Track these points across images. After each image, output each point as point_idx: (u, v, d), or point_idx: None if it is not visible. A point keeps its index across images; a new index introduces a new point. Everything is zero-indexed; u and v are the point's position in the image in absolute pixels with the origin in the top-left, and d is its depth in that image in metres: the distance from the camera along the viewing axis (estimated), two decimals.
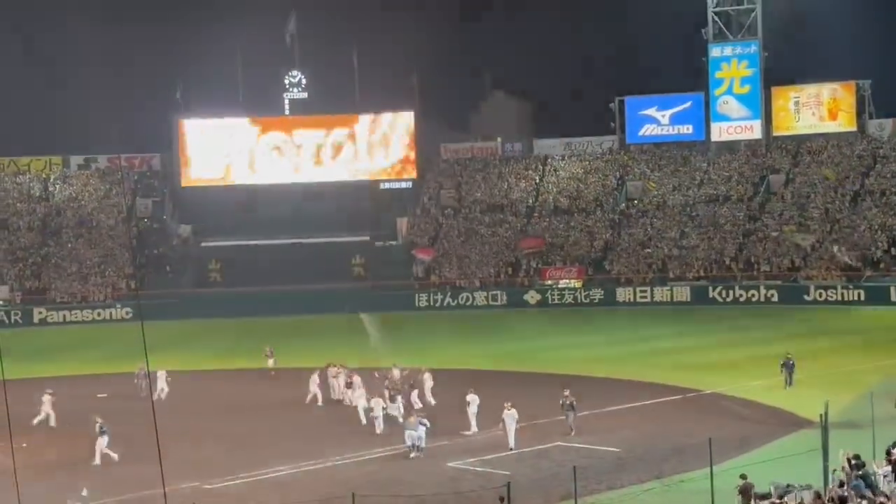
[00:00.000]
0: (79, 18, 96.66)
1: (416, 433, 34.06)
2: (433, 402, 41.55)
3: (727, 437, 34.06)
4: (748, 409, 39.58)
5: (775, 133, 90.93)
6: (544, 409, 38.44)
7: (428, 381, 42.66)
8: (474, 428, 36.66)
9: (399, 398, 39.26)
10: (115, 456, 34.28)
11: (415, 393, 41.73)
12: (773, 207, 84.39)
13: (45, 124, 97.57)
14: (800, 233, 78.97)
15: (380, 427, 37.59)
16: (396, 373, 42.85)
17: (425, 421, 34.77)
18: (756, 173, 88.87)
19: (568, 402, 35.88)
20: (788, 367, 42.43)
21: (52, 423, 40.66)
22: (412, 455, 34.08)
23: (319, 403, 43.53)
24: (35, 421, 40.34)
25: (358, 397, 40.37)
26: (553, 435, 35.84)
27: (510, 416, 33.94)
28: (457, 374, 50.71)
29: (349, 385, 42.62)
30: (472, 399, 37.06)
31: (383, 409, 38.28)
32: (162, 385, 45.64)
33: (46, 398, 41.29)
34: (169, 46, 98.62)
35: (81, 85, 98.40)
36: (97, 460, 34.26)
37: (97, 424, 34.54)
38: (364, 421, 38.86)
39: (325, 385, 44.15)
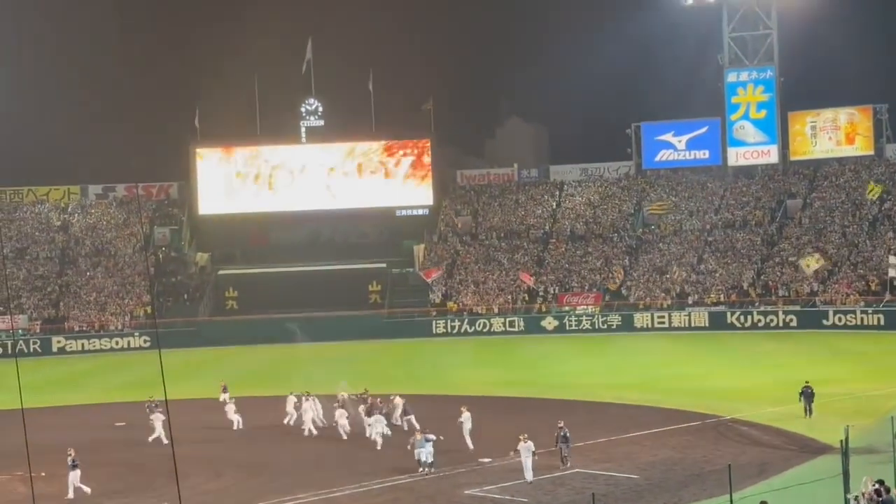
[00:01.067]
0: (96, 48, 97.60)
1: (425, 449, 34.70)
2: (405, 426, 41.85)
3: (747, 463, 33.89)
4: (767, 435, 39.31)
5: (792, 158, 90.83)
6: None
7: (398, 408, 43.57)
8: (470, 445, 37.78)
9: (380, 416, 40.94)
10: (87, 489, 33.91)
11: (396, 413, 42.88)
12: (790, 232, 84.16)
13: (63, 153, 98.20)
14: (810, 257, 78.07)
15: (379, 444, 39.36)
16: (344, 395, 44.30)
17: (431, 436, 35.24)
18: (773, 198, 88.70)
19: (562, 434, 35.06)
20: (807, 395, 41.92)
21: (164, 440, 41.51)
22: (421, 471, 34.58)
23: (289, 423, 44.58)
24: (150, 439, 41.91)
25: (339, 416, 42.13)
26: (571, 462, 35.62)
27: (526, 448, 33.38)
28: (472, 401, 50.67)
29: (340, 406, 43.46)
30: (466, 418, 38.15)
31: (385, 425, 40.39)
32: (234, 417, 45.64)
33: (157, 416, 42.47)
34: (186, 75, 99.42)
35: (99, 114, 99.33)
36: (70, 494, 33.72)
37: (69, 458, 33.98)
38: (345, 437, 41.33)
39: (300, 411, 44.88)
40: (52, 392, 57.87)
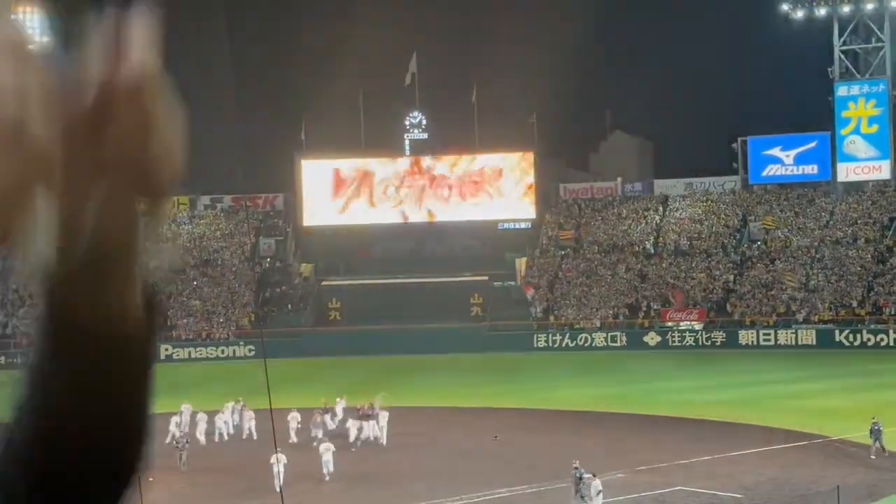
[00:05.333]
0: (203, 62, 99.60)
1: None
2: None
3: (855, 484, 33.22)
4: (877, 457, 38.39)
5: None
6: (664, 452, 37.94)
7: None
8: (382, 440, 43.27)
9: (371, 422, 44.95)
10: None
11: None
12: None
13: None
14: None
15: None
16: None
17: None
18: (884, 215, 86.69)
19: (577, 476, 32.54)
20: (875, 432, 39.05)
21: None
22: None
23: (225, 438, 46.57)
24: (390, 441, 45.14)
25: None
26: (673, 480, 35.27)
27: (594, 487, 31.79)
28: (573, 416, 50.49)
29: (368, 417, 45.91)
30: (383, 415, 43.92)
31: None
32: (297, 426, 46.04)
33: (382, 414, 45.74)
34: (293, 88, 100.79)
35: (208, 125, 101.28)
36: None
37: None
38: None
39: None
40: (164, 398, 58.98)
